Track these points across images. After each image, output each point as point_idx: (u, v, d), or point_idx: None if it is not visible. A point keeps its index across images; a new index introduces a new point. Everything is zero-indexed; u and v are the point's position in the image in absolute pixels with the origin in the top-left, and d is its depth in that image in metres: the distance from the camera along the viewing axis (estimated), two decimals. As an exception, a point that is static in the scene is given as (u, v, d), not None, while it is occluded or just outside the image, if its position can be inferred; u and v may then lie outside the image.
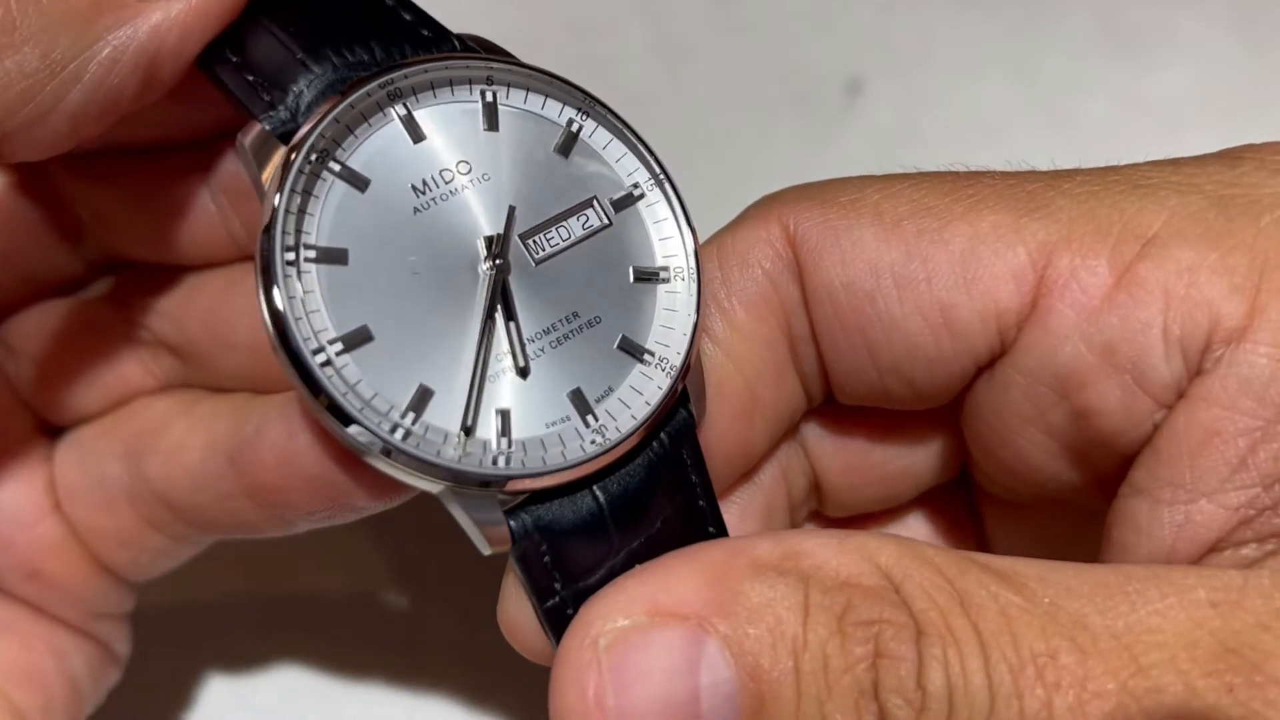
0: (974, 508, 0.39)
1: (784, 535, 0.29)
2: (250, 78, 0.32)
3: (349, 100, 0.31)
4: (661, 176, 0.33)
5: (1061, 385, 0.31)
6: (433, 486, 0.31)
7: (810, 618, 0.27)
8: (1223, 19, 0.61)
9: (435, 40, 0.33)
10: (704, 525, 0.33)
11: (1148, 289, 0.30)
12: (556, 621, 0.31)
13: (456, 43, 0.33)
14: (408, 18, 0.33)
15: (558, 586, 0.31)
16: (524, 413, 0.32)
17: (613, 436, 0.32)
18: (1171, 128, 0.58)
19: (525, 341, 0.32)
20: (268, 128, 0.31)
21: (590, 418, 0.32)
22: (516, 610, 0.32)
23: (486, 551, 0.32)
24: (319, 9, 0.32)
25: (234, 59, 0.32)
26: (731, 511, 0.36)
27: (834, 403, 0.36)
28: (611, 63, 0.59)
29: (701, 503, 0.33)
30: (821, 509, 0.39)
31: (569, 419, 0.32)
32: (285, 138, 0.31)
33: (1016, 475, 0.34)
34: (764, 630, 0.27)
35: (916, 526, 0.39)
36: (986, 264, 0.31)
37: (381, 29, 0.33)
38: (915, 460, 0.37)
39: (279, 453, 0.34)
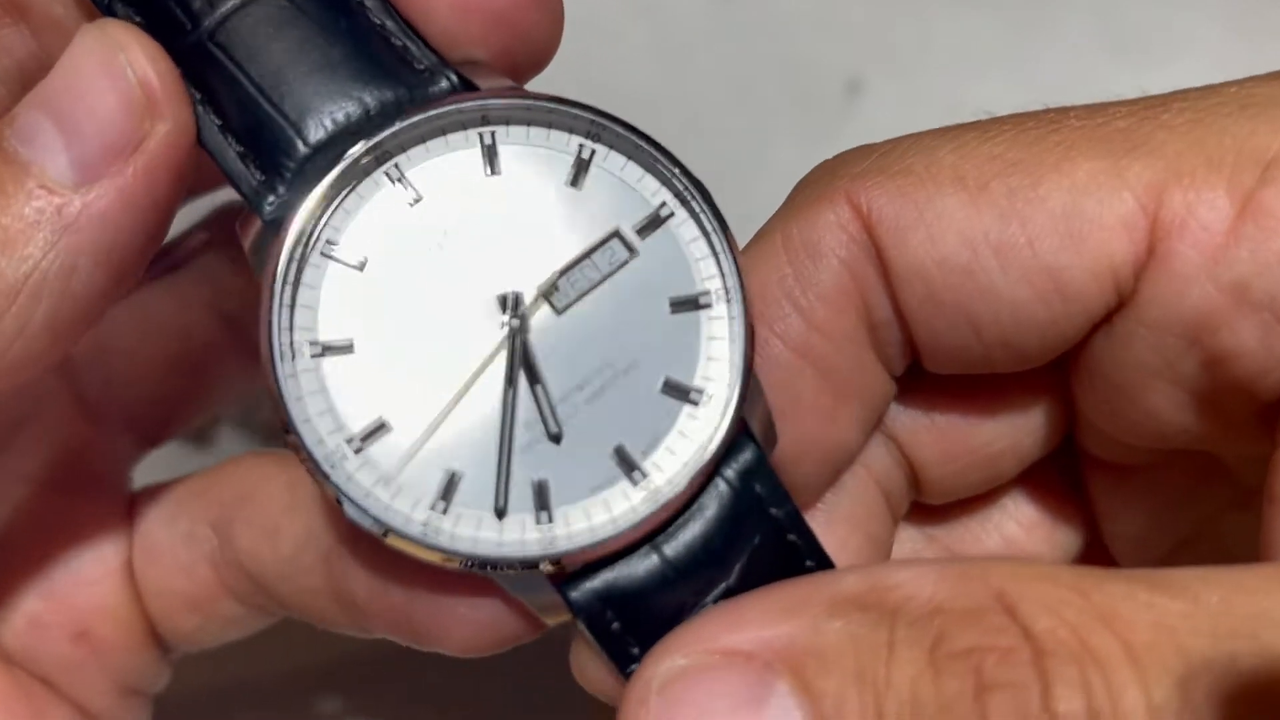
0: (1077, 478, 0.36)
1: (877, 567, 0.26)
2: (240, 149, 0.30)
3: (337, 173, 0.29)
4: (689, 191, 0.30)
5: (1192, 332, 0.28)
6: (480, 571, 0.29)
7: (895, 654, 0.24)
8: (1223, 18, 0.61)
9: (430, 72, 0.30)
10: (800, 561, 0.30)
11: (1276, 216, 0.27)
12: None
13: (453, 75, 0.30)
14: (396, 44, 0.30)
15: (635, 651, 0.29)
16: (563, 482, 0.29)
17: (665, 491, 0.29)
18: (1172, 128, 0.58)
19: (555, 404, 0.29)
20: (265, 217, 0.30)
21: (637, 474, 0.29)
22: (592, 668, 0.30)
23: (549, 623, 0.30)
24: (302, 52, 0.30)
25: (217, 122, 0.30)
26: (817, 521, 0.33)
27: (923, 385, 0.33)
28: (612, 63, 0.59)
29: (792, 536, 0.30)
30: (921, 498, 0.36)
31: (615, 480, 0.29)
32: (277, 225, 0.29)
33: (1140, 433, 0.31)
34: (842, 671, 0.24)
35: (1018, 505, 0.36)
36: (1092, 217, 0.28)
37: (371, 66, 0.30)
38: (1017, 435, 0.34)
39: (377, 572, 0.32)
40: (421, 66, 0.30)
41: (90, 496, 0.38)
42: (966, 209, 0.29)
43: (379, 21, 0.30)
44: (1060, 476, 0.36)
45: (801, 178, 0.32)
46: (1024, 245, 0.29)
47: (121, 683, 0.38)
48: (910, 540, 0.37)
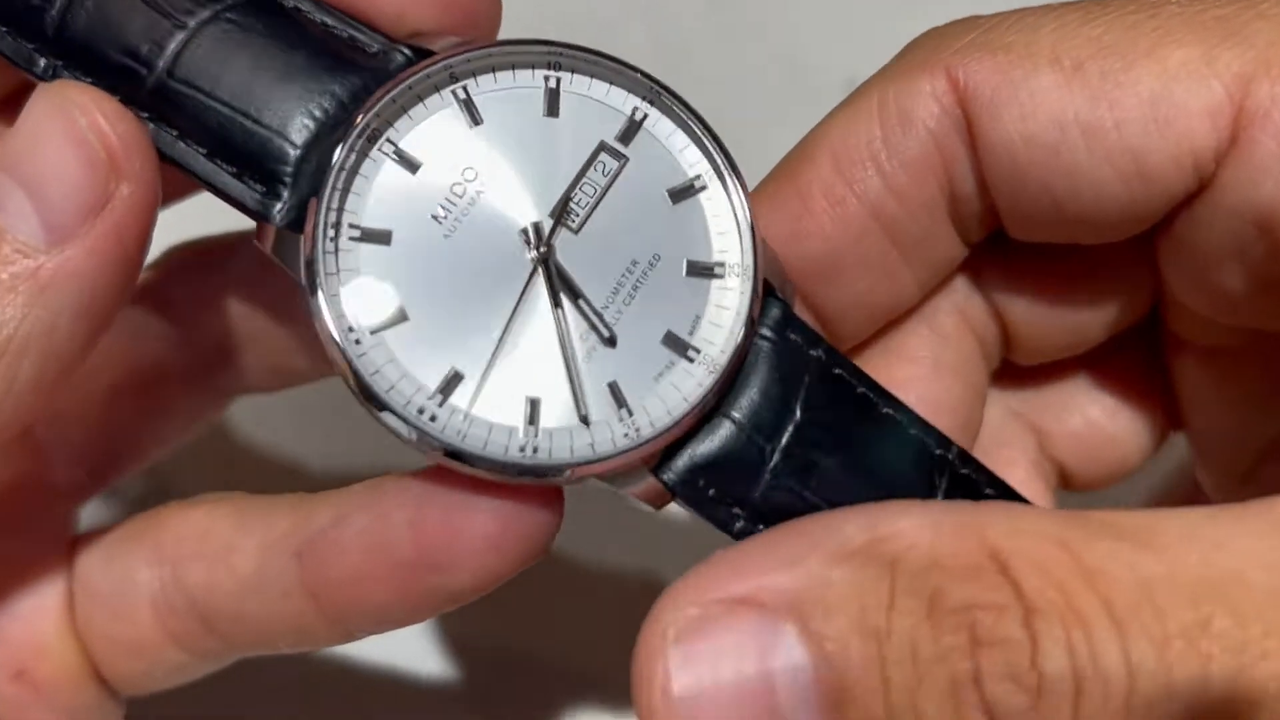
0: (1161, 360, 0.37)
1: (877, 515, 0.27)
2: (232, 170, 0.31)
3: (338, 162, 0.31)
4: (656, 91, 0.33)
5: (1265, 220, 0.29)
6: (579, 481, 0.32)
7: (895, 605, 0.25)
8: (1223, 19, 0.61)
9: (383, 52, 0.32)
10: (850, 390, 0.33)
11: None
12: None
13: (405, 49, 0.32)
14: (343, 35, 0.32)
15: (736, 511, 0.32)
16: (630, 377, 0.32)
17: (720, 360, 0.32)
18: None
19: (600, 311, 0.32)
20: (278, 224, 0.31)
21: (691, 352, 0.32)
22: None
23: (652, 510, 0.32)
24: (261, 65, 0.32)
25: (202, 151, 0.32)
26: (924, 367, 0.36)
27: (1015, 247, 0.35)
28: (611, 63, 0.59)
29: (837, 370, 0.33)
30: (1011, 356, 0.37)
31: (673, 364, 0.32)
32: (296, 225, 0.31)
33: (1220, 311, 0.33)
34: (845, 619, 0.26)
35: (1103, 389, 0.38)
36: (1179, 103, 0.29)
37: (327, 62, 0.32)
38: (1103, 302, 0.35)
39: (369, 539, 0.32)
40: (373, 50, 0.32)
41: (30, 534, 0.38)
42: (1060, 89, 0.30)
43: (319, 19, 0.32)
44: (1146, 366, 0.38)
45: (909, 41, 0.33)
46: (1111, 128, 0.30)
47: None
48: (999, 415, 0.39)
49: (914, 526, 0.26)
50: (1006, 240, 0.35)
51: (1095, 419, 0.38)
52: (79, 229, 0.30)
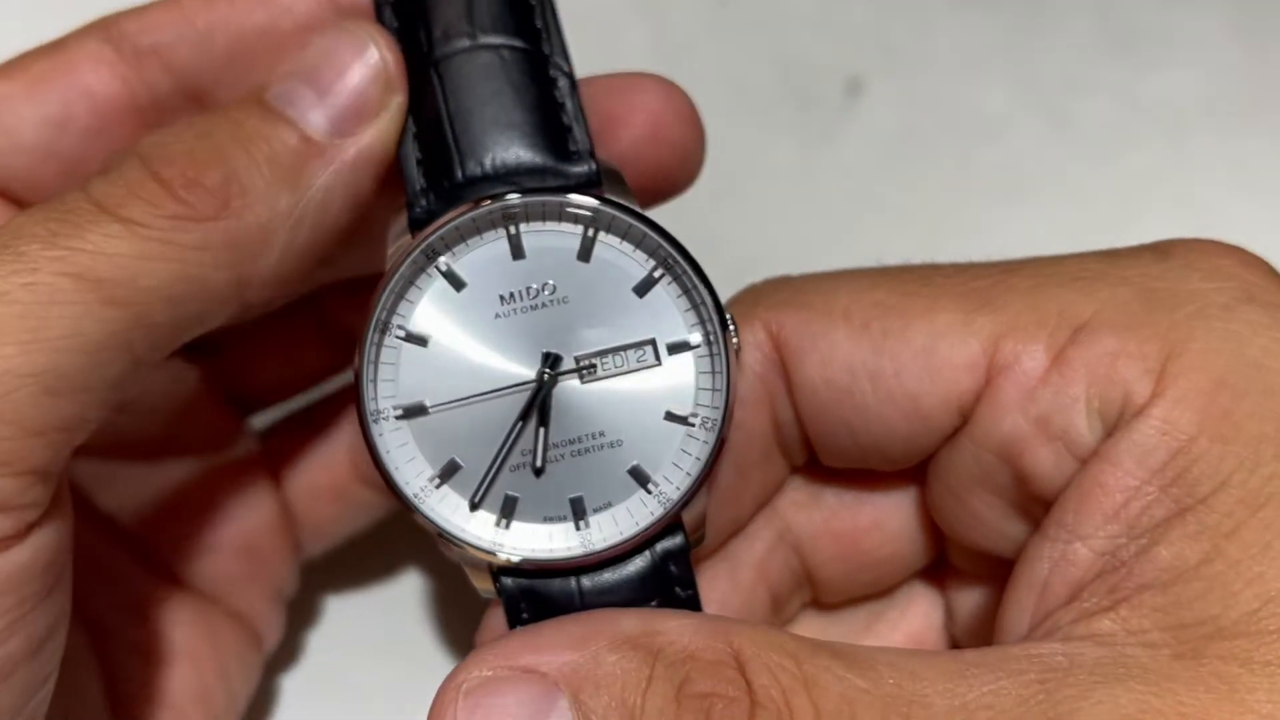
0: (944, 597, 0.42)
1: (652, 614, 0.33)
2: (419, 155, 0.37)
3: (471, 215, 0.36)
4: (716, 334, 0.36)
5: (1004, 452, 0.36)
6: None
7: (651, 688, 0.31)
8: (1223, 19, 0.61)
9: (578, 155, 0.37)
10: None
11: (1076, 369, 0.35)
12: None
13: (594, 165, 0.37)
14: (565, 123, 0.37)
15: None
16: (528, 504, 0.36)
17: (596, 545, 0.36)
18: (1172, 128, 0.58)
19: (549, 446, 0.36)
20: (411, 216, 0.37)
21: (582, 523, 0.36)
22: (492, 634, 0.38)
23: (480, 593, 0.37)
24: (491, 104, 0.37)
25: (413, 129, 0.37)
26: (710, 609, 0.39)
27: (824, 498, 0.41)
28: (612, 62, 0.59)
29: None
30: (818, 598, 0.42)
31: (565, 519, 0.36)
32: (415, 226, 0.36)
33: (974, 534, 0.38)
34: (609, 697, 0.31)
35: (897, 616, 0.43)
36: (945, 357, 0.36)
37: (534, 133, 0.37)
38: (901, 544, 0.41)
39: None
40: (574, 149, 0.37)
41: (232, 436, 0.46)
42: (850, 342, 0.37)
43: (562, 101, 0.37)
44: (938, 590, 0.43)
45: (730, 297, 0.39)
46: (891, 375, 0.36)
47: (274, 589, 0.46)
48: None
49: (678, 626, 0.32)
50: (817, 492, 0.41)
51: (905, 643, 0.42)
52: (358, 127, 0.36)
